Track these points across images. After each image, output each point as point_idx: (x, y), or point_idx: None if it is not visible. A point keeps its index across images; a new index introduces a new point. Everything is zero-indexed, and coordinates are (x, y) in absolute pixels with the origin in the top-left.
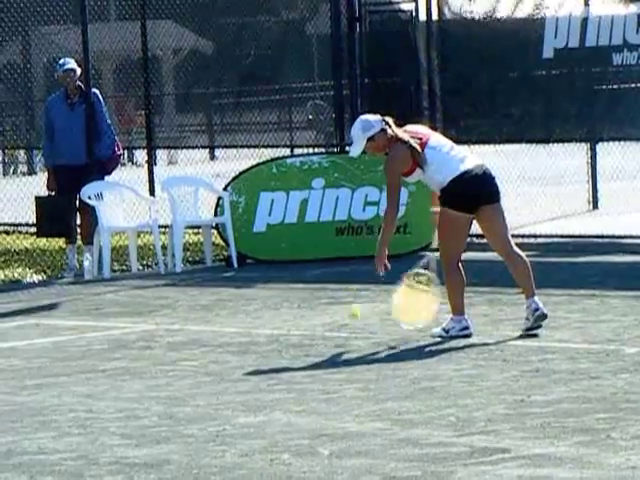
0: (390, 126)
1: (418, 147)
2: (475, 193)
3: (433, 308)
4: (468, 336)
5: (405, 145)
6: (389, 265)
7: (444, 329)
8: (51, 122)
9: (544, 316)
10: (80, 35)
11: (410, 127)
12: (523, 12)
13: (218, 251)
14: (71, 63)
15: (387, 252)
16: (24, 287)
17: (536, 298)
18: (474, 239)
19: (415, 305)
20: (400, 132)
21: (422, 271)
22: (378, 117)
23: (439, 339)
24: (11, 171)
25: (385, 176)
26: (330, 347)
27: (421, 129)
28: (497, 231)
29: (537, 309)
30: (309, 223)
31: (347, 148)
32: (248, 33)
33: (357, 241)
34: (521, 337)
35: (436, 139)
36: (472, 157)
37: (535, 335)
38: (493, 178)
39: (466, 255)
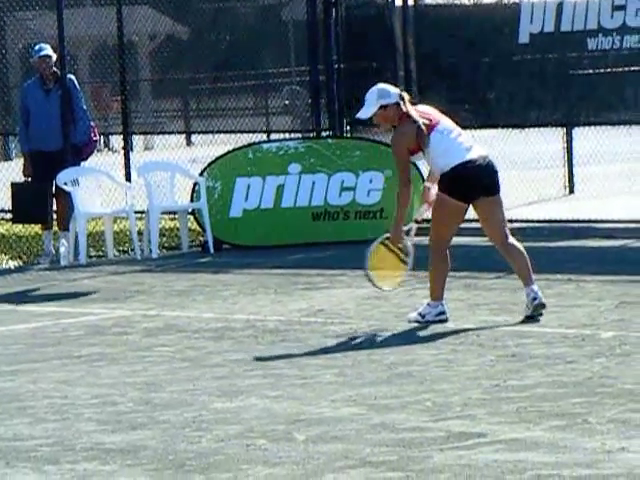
0: (405, 102)
1: (425, 128)
2: (474, 183)
3: (398, 276)
4: (444, 321)
5: (414, 124)
6: (412, 226)
7: (420, 314)
8: (27, 108)
9: (542, 305)
10: (55, 21)
11: (422, 107)
12: None
13: (194, 237)
14: (47, 49)
15: (365, 236)
16: (0, 273)
17: (534, 287)
18: None
19: (386, 267)
20: (412, 110)
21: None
22: (397, 90)
23: (415, 324)
24: None
25: (393, 154)
26: (306, 332)
27: (432, 111)
28: (494, 223)
29: (535, 298)
30: (285, 208)
31: (323, 133)
32: (224, 18)
33: (333, 226)
34: (522, 322)
35: (445, 123)
36: (477, 147)
37: (537, 320)
38: (495, 171)
39: None
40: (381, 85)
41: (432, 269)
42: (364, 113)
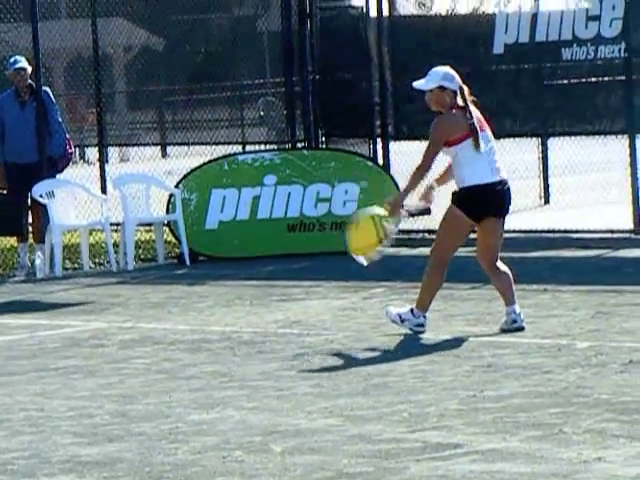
0: (464, 95)
1: (478, 127)
2: (488, 206)
3: (371, 253)
4: (420, 333)
5: (465, 118)
6: (404, 212)
7: (400, 316)
8: (2, 120)
9: (521, 329)
10: (30, 33)
11: (471, 107)
12: (473, 7)
13: (170, 248)
14: (22, 61)
15: (341, 248)
16: None
17: (516, 307)
18: (426, 235)
19: (369, 242)
20: (471, 105)
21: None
22: (460, 80)
23: (392, 336)
24: None
25: (430, 136)
26: (282, 344)
27: (480, 115)
28: (489, 244)
29: (515, 321)
30: (261, 220)
31: (299, 144)
32: (199, 30)
33: (309, 238)
34: (498, 333)
35: (488, 132)
36: (503, 170)
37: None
38: (510, 196)
39: (419, 251)
40: (448, 69)
41: (427, 279)
42: (423, 85)
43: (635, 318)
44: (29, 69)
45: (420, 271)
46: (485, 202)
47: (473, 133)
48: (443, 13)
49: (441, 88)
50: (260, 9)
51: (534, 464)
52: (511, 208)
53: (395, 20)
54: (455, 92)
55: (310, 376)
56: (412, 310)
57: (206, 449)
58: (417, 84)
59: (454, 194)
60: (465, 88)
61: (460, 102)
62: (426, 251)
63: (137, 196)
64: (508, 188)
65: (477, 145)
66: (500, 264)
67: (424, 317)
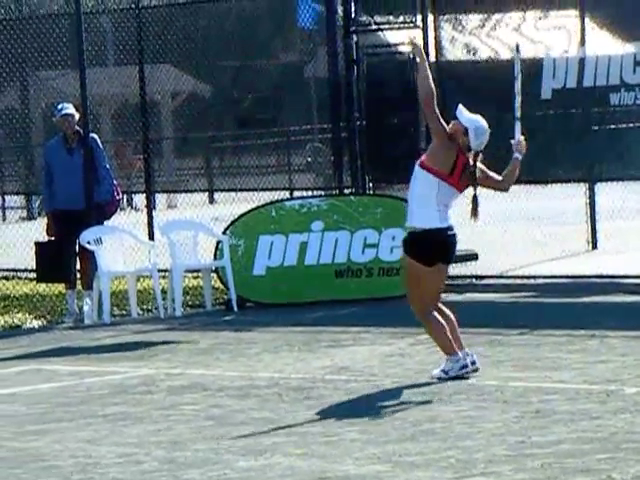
0: (476, 158)
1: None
2: (436, 252)
3: None
4: (471, 372)
5: (460, 169)
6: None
7: (443, 370)
8: (50, 167)
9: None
10: (78, 80)
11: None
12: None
13: (218, 295)
14: (69, 108)
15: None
16: (24, 332)
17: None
18: (474, 280)
19: None
20: (478, 165)
21: None
22: (484, 142)
23: (438, 381)
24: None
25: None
26: (330, 390)
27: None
28: (430, 289)
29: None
30: (308, 266)
31: (346, 190)
32: (246, 76)
33: (356, 283)
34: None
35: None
36: (450, 217)
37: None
38: (455, 243)
39: (466, 297)
40: (486, 130)
41: (429, 332)
42: (460, 114)
43: None
44: (77, 116)
45: (468, 317)
46: (431, 247)
47: (472, 201)
48: (490, 58)
49: (465, 131)
50: (307, 55)
51: None
52: (559, 253)
53: (442, 65)
54: (469, 148)
55: (358, 422)
56: (448, 359)
57: None
58: (460, 109)
59: (403, 242)
60: (480, 156)
61: (470, 160)
62: (473, 296)
63: (185, 242)
64: (454, 235)
65: (473, 213)
66: (443, 309)
67: (463, 358)
